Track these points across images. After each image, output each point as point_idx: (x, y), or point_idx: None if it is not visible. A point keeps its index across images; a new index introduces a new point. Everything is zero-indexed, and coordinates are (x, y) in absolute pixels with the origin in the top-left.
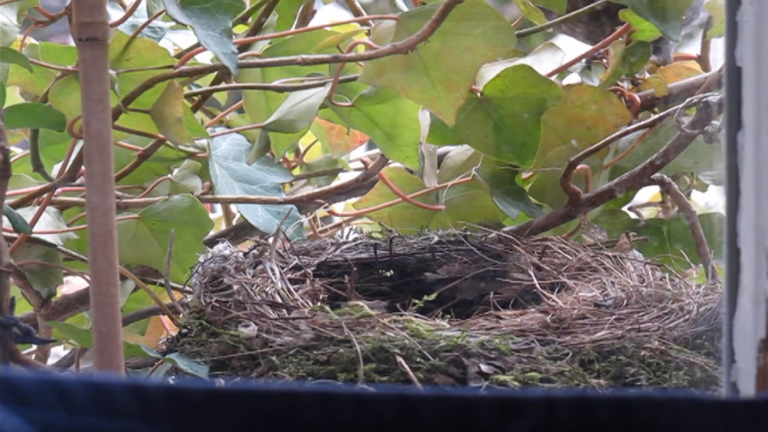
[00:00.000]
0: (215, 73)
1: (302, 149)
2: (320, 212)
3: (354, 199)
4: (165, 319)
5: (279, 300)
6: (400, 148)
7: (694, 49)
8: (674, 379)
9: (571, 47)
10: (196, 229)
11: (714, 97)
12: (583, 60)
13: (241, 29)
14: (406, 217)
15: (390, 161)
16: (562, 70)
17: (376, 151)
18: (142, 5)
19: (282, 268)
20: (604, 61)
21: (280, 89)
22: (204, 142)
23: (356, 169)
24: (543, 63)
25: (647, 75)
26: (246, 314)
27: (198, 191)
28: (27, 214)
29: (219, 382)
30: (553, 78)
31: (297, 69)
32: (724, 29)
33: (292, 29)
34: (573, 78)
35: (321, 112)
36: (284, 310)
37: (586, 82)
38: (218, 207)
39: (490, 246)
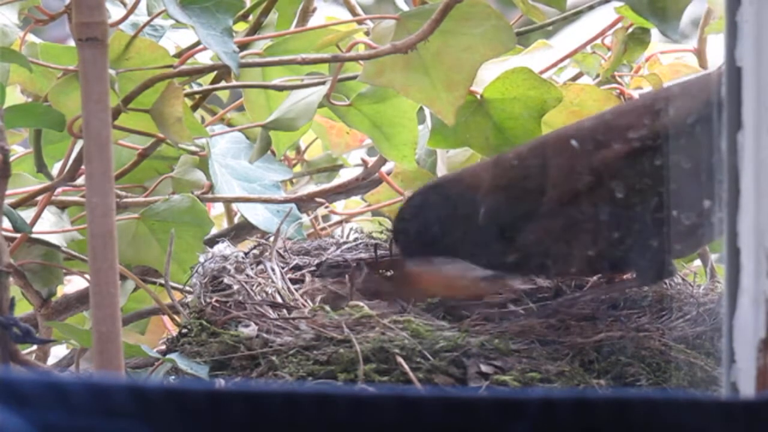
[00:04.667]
0: (215, 72)
1: (303, 147)
2: (321, 211)
3: (355, 198)
4: (165, 318)
5: (279, 300)
6: (397, 148)
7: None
8: (674, 379)
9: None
10: (196, 229)
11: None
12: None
13: (241, 27)
14: None
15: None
16: (556, 65)
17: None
18: (142, 4)
19: (282, 267)
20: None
21: (280, 88)
22: (204, 140)
23: (357, 165)
24: (536, 60)
25: (646, 72)
26: (246, 314)
27: (203, 182)
28: (28, 214)
29: (219, 382)
30: (549, 74)
31: (298, 67)
32: (723, 29)
33: (292, 27)
34: (567, 73)
35: (322, 111)
36: (284, 310)
37: (583, 71)
38: (219, 204)
39: None
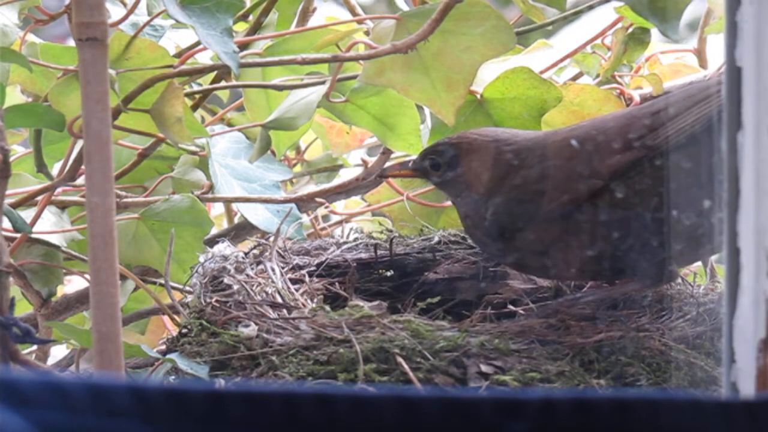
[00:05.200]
0: (215, 72)
1: (303, 147)
2: (321, 211)
3: (355, 198)
4: (165, 318)
5: (279, 300)
6: (401, 137)
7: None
8: (674, 379)
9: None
10: (196, 229)
11: None
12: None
13: (241, 27)
14: (417, 211)
15: (391, 155)
16: (556, 65)
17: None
18: (142, 4)
19: (282, 267)
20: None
21: (279, 87)
22: (204, 140)
23: (357, 165)
24: (536, 60)
25: (646, 72)
26: (246, 314)
27: (203, 182)
28: (28, 214)
29: (219, 382)
30: (549, 74)
31: (298, 67)
32: (723, 29)
33: (292, 27)
34: (567, 73)
35: (323, 111)
36: (284, 310)
37: (583, 71)
38: (219, 204)
39: None
